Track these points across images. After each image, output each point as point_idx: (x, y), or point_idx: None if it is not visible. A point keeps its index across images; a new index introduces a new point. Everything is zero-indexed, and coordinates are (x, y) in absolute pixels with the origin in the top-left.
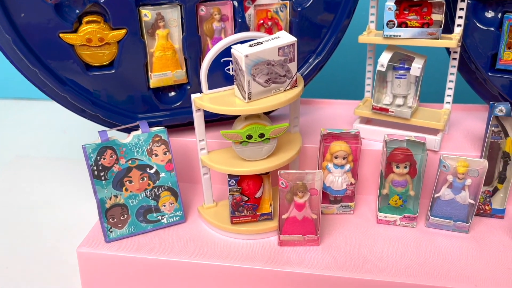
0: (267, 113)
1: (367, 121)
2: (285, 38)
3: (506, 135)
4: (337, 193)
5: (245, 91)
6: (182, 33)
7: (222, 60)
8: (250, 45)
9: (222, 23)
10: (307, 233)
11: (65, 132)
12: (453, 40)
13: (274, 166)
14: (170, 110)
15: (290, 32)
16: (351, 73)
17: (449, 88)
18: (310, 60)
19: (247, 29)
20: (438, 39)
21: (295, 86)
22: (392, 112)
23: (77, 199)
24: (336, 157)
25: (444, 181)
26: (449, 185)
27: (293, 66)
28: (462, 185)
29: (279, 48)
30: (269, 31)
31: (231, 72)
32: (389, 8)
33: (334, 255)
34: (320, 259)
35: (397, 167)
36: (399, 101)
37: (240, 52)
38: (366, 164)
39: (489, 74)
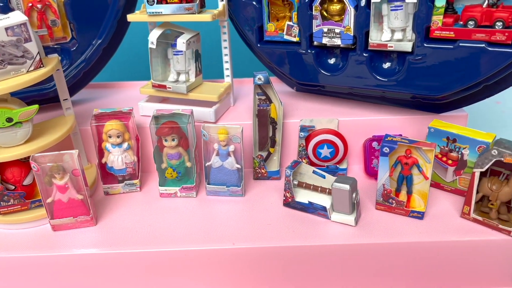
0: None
1: (162, 99)
2: (14, 18)
3: (271, 102)
4: (119, 172)
5: None
6: None
7: None
8: None
9: None
10: (78, 214)
11: None
12: (208, 15)
13: (33, 150)
14: None
15: (66, 14)
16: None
17: (225, 62)
18: (93, 42)
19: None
20: (195, 13)
21: (40, 67)
22: (170, 88)
23: None
24: (110, 136)
25: (213, 149)
26: (217, 153)
27: (31, 46)
28: (227, 151)
29: (6, 28)
30: (42, 14)
31: None
32: None
33: (109, 232)
34: (94, 238)
35: (166, 140)
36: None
37: None
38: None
39: (258, 45)
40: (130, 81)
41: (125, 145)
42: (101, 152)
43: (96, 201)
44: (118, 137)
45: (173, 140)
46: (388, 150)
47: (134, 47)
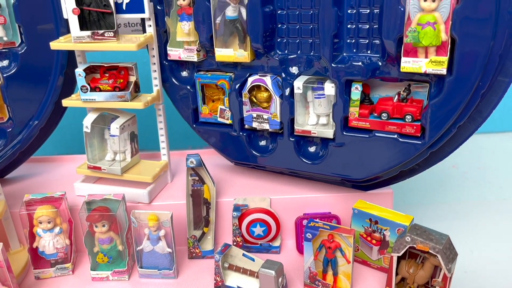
0: None
1: (98, 178)
2: None
3: (204, 183)
4: (51, 256)
5: None
6: None
7: None
8: None
9: None
10: None
11: None
12: (140, 103)
13: None
14: None
15: (3, 97)
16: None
17: (162, 142)
18: (30, 122)
19: None
20: (128, 101)
21: None
22: (105, 170)
23: None
24: (40, 222)
25: (144, 233)
26: (148, 237)
27: None
28: (157, 236)
29: None
30: None
31: None
32: (79, 75)
33: None
34: None
35: (96, 226)
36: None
37: None
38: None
39: (194, 126)
40: (68, 155)
41: (57, 229)
42: (32, 236)
43: (27, 286)
44: (49, 222)
45: (103, 226)
46: (311, 236)
47: (77, 117)
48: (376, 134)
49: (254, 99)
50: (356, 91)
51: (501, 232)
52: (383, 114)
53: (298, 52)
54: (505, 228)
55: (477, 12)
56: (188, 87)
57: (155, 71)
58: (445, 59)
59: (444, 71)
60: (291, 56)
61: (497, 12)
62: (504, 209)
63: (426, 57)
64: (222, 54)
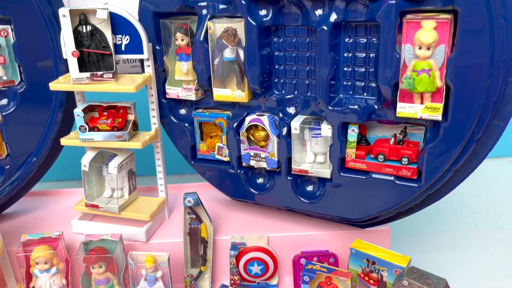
0: None
1: (95, 215)
2: None
3: (201, 221)
4: None
5: None
6: None
7: None
8: None
9: None
10: None
11: None
12: (138, 143)
13: None
14: None
15: (2, 135)
16: None
17: (159, 178)
18: (28, 159)
19: None
20: (126, 141)
21: None
22: (102, 208)
23: None
24: (37, 263)
25: (141, 274)
26: (145, 278)
27: None
28: (154, 277)
29: None
30: None
31: None
32: (78, 115)
33: None
34: None
35: (93, 267)
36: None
37: None
38: None
39: (192, 162)
40: (65, 189)
41: (54, 269)
42: (29, 277)
43: None
44: (45, 263)
45: (100, 267)
46: (308, 279)
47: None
48: (373, 175)
49: (251, 137)
50: (352, 133)
51: (499, 264)
52: (379, 156)
53: (295, 93)
54: (503, 261)
55: (471, 61)
56: (186, 125)
57: (154, 109)
58: (440, 105)
59: (439, 117)
60: (288, 96)
61: (491, 60)
62: (501, 240)
63: (422, 102)
64: (220, 94)
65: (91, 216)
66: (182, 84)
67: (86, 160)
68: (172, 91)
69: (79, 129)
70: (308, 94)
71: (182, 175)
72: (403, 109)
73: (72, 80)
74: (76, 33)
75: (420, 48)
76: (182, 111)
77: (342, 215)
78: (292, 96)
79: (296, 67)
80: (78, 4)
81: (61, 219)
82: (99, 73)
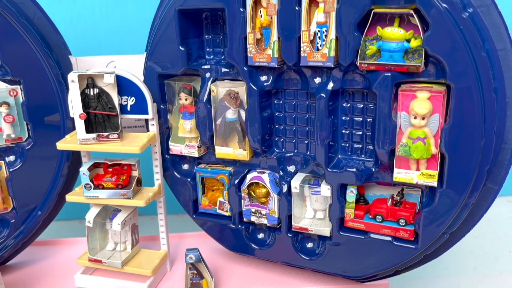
0: None
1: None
2: None
3: (202, 277)
4: None
5: None
6: None
7: None
8: None
9: None
10: None
11: None
12: (142, 201)
13: None
14: None
15: (8, 189)
16: None
17: (161, 232)
18: (33, 213)
19: None
20: (130, 199)
21: None
22: (105, 263)
23: None
24: None
25: None
26: None
27: None
28: None
29: None
30: None
31: None
32: (83, 174)
33: None
34: None
35: None
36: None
37: None
38: None
39: (194, 216)
40: (69, 238)
41: None
42: None
43: None
44: None
45: None
46: None
47: None
48: (372, 235)
49: (252, 193)
50: (351, 194)
51: None
52: (377, 216)
53: (295, 151)
54: None
55: (465, 132)
56: (189, 180)
57: (157, 166)
58: (435, 173)
59: (435, 184)
60: (288, 155)
61: (484, 131)
62: (501, 285)
63: (418, 168)
64: (222, 152)
65: (94, 268)
66: (185, 141)
67: (90, 216)
68: (176, 148)
69: (84, 187)
70: (308, 153)
71: (183, 214)
72: (400, 175)
73: (79, 140)
74: (84, 95)
75: (415, 117)
76: (185, 166)
77: (341, 273)
78: (292, 154)
79: (296, 127)
80: (85, 64)
81: (64, 272)
82: (105, 134)
